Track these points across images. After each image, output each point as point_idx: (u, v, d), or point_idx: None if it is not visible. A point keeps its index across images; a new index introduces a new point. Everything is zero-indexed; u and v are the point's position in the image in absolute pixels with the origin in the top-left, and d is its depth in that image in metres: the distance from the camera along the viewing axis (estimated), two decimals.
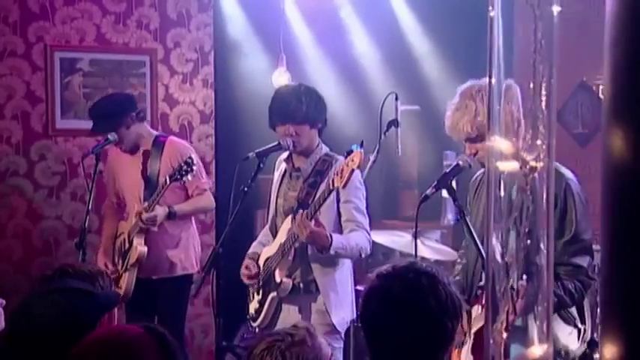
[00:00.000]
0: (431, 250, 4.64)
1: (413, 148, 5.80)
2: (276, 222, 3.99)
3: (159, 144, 4.54)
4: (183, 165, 4.20)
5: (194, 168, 4.23)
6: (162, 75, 5.42)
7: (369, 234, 3.79)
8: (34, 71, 5.18)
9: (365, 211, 3.83)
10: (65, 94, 5.26)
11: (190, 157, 4.27)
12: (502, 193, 2.83)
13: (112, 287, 3.02)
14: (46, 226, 5.23)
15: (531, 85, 2.57)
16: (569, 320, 3.16)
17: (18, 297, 4.58)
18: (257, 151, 3.78)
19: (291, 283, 3.78)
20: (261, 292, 3.93)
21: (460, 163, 3.23)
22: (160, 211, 4.38)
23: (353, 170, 3.44)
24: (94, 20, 5.26)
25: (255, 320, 3.93)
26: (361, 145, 3.46)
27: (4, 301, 2.56)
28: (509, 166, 2.38)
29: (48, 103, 5.22)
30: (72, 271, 2.73)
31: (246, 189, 3.76)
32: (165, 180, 4.28)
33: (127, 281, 4.43)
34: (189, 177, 4.25)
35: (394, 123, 4.39)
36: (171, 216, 4.42)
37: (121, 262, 4.53)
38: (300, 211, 3.61)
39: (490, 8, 2.00)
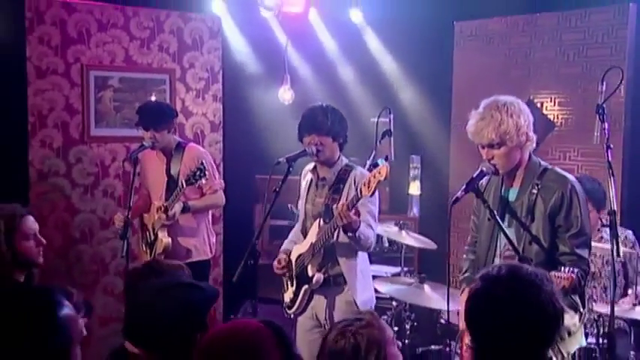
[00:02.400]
0: (413, 239, 4.95)
1: (388, 152, 6.26)
2: (306, 224, 4.06)
3: (180, 149, 4.72)
4: (196, 171, 4.35)
5: (206, 173, 4.35)
6: (180, 91, 5.64)
7: (374, 232, 3.90)
8: (72, 87, 5.29)
9: (376, 216, 3.95)
10: (98, 107, 5.39)
11: (202, 164, 4.40)
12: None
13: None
14: (81, 219, 5.36)
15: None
16: (573, 306, 3.15)
17: (58, 278, 5.04)
18: (287, 156, 3.86)
19: (322, 277, 3.87)
20: (294, 284, 4.02)
21: (484, 169, 3.27)
22: (177, 207, 4.53)
23: (379, 181, 3.53)
24: (123, 44, 5.43)
25: (290, 308, 4.03)
26: (386, 159, 3.67)
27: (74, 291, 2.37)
28: None
29: (84, 114, 5.33)
30: (158, 267, 2.93)
31: (277, 190, 3.84)
32: (182, 183, 4.43)
33: None
34: (203, 181, 4.39)
35: (388, 133, 4.57)
36: (184, 210, 4.57)
37: (148, 251, 4.72)
38: (343, 201, 3.69)
39: None
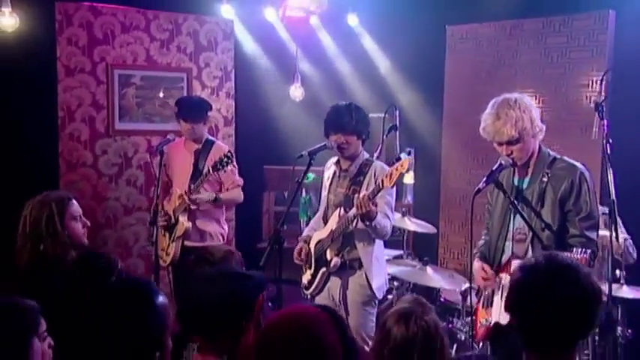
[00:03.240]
0: (415, 224, 5.16)
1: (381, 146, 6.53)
2: (327, 213, 4.14)
3: (208, 144, 4.88)
4: (223, 158, 4.46)
5: (232, 161, 4.49)
6: (196, 88, 5.89)
7: (391, 222, 3.97)
8: (98, 84, 5.55)
9: (393, 206, 4.02)
10: (122, 103, 5.63)
11: (230, 152, 4.55)
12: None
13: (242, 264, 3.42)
14: (107, 206, 5.64)
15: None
16: None
17: None
18: (308, 150, 3.92)
19: (339, 261, 3.95)
20: (313, 267, 4.12)
21: (502, 162, 3.32)
22: (205, 196, 4.67)
23: (402, 174, 3.60)
24: (144, 45, 5.69)
25: (307, 289, 4.12)
26: (409, 154, 3.76)
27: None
28: None
29: (109, 110, 5.58)
30: (211, 258, 3.16)
31: (299, 180, 3.91)
32: (209, 169, 4.52)
33: (175, 250, 4.73)
34: (229, 167, 4.51)
35: (394, 128, 4.70)
36: (216, 201, 4.73)
37: (167, 234, 4.79)
38: (364, 192, 3.74)
39: None
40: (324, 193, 4.23)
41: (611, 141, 3.43)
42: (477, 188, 3.26)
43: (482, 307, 3.51)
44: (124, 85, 5.66)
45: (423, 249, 5.75)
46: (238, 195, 4.99)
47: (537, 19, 5.61)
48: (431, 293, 5.14)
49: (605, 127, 3.48)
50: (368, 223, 3.76)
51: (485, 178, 3.26)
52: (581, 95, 5.38)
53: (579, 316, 1.98)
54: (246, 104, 6.22)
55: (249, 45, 6.34)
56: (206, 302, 2.19)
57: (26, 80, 5.22)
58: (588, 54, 5.33)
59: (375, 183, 3.79)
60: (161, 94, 5.77)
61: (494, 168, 3.30)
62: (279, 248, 3.87)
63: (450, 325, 4.71)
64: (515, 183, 3.44)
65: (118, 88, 5.64)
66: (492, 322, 3.40)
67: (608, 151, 3.39)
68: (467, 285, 4.47)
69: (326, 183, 4.22)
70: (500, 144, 3.32)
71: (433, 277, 4.70)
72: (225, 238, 5.18)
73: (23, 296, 2.86)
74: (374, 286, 3.97)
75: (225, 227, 5.14)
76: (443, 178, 6.34)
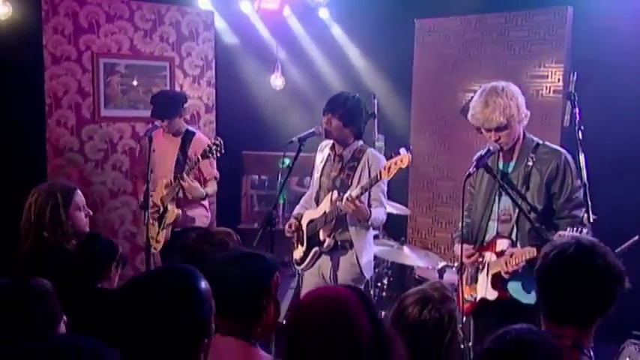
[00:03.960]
0: (392, 207, 5.15)
1: None
2: (319, 194, 4.20)
3: (189, 135, 4.89)
4: (212, 146, 4.44)
5: (221, 151, 4.45)
6: (178, 77, 5.97)
7: (385, 210, 4.06)
8: (84, 72, 5.59)
9: (386, 194, 4.10)
10: (107, 90, 5.67)
11: (219, 140, 4.46)
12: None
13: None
14: (93, 190, 5.66)
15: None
16: None
17: None
18: (298, 136, 3.98)
19: (332, 242, 4.01)
20: (305, 244, 4.17)
21: (491, 148, 3.37)
22: (198, 192, 4.71)
23: (400, 169, 3.65)
24: (129, 35, 5.74)
25: (299, 265, 4.18)
26: (407, 149, 3.69)
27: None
28: None
29: (94, 97, 5.62)
30: (211, 238, 3.02)
31: (290, 166, 4.05)
32: (198, 157, 4.53)
33: (165, 237, 4.77)
34: (218, 154, 4.48)
35: (372, 115, 4.77)
36: (205, 197, 4.82)
37: (156, 223, 4.80)
38: (348, 193, 3.79)
39: None
40: (317, 175, 4.27)
41: (583, 128, 3.51)
42: (467, 172, 3.34)
43: (467, 283, 3.59)
44: (109, 73, 5.70)
45: (393, 230, 5.93)
46: (215, 188, 5.07)
47: (500, 13, 5.81)
48: (406, 271, 5.40)
49: (578, 115, 3.60)
50: (364, 223, 3.89)
51: (475, 163, 3.32)
52: (541, 85, 5.64)
53: (603, 292, 2.05)
54: (226, 92, 6.31)
55: (228, 35, 6.41)
56: (226, 284, 2.14)
57: (13, 68, 5.19)
58: (548, 47, 5.55)
59: (369, 173, 3.89)
60: (134, 83, 5.80)
61: (482, 153, 3.36)
62: (270, 230, 3.95)
63: None
64: (500, 167, 3.51)
65: (104, 76, 5.68)
66: (478, 298, 3.51)
67: (580, 137, 3.47)
68: (443, 263, 4.69)
69: (319, 165, 4.26)
70: (489, 130, 3.37)
71: (410, 256, 4.92)
72: (209, 221, 5.20)
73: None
74: (363, 267, 4.07)
75: (209, 211, 5.21)
76: (412, 163, 6.55)
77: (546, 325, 2.13)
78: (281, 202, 6.49)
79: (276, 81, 5.96)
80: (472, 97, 5.64)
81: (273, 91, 6.43)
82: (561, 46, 5.48)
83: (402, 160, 3.65)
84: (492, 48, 5.89)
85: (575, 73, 3.73)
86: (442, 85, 6.21)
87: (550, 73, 5.59)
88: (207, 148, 4.52)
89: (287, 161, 6.46)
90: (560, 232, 3.09)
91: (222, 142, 4.50)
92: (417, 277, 5.20)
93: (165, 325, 1.75)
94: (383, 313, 4.05)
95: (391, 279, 5.42)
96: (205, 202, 5.08)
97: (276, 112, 6.50)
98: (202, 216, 5.08)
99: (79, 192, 3.59)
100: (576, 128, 3.55)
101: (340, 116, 4.00)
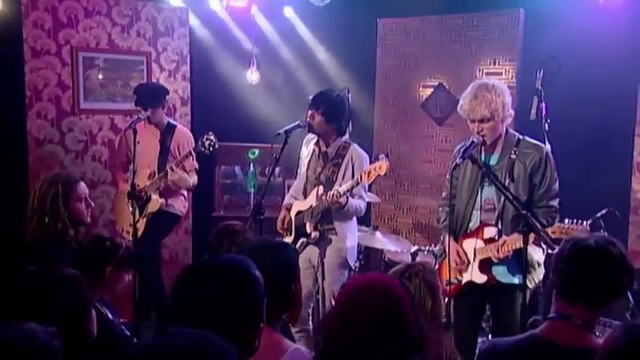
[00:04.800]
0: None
1: None
2: (307, 187, 4.33)
3: (170, 127, 5.07)
4: (206, 141, 4.60)
5: (215, 145, 4.63)
6: (155, 71, 5.97)
7: (365, 202, 4.26)
8: (64, 66, 5.54)
9: (367, 188, 4.34)
10: (86, 84, 5.64)
11: (212, 135, 4.63)
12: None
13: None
14: None
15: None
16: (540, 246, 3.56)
17: None
18: (285, 129, 4.08)
19: (318, 234, 4.16)
20: (293, 235, 4.31)
21: (475, 140, 3.49)
22: (187, 182, 4.89)
23: (379, 175, 3.84)
24: (107, 29, 5.72)
25: None
26: (387, 156, 3.89)
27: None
28: None
29: (74, 90, 5.58)
30: (230, 228, 3.26)
31: (277, 157, 4.08)
32: (190, 152, 4.70)
33: (145, 224, 4.92)
34: (211, 149, 4.67)
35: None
36: (190, 189, 5.01)
37: (137, 211, 4.76)
38: (334, 190, 3.96)
39: None
40: (303, 168, 4.38)
41: (549, 120, 3.87)
42: (454, 163, 3.51)
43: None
44: (88, 67, 5.67)
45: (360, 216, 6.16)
46: (196, 179, 5.19)
47: (458, 15, 6.06)
48: (376, 254, 5.63)
49: (545, 109, 3.93)
50: (341, 209, 4.08)
51: (460, 154, 3.45)
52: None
53: (615, 279, 2.18)
54: (201, 86, 6.38)
55: (201, 31, 6.47)
56: (260, 271, 2.14)
57: None
58: (502, 46, 5.85)
59: (353, 168, 4.08)
60: (100, 76, 5.79)
61: (467, 145, 3.49)
62: (259, 218, 4.10)
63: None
64: (482, 159, 3.64)
65: (83, 70, 5.65)
66: (464, 281, 3.69)
67: (547, 129, 3.82)
68: (416, 247, 4.97)
69: (305, 160, 4.37)
70: (473, 121, 3.53)
71: (382, 240, 5.17)
72: (186, 210, 5.40)
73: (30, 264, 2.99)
74: (348, 253, 4.25)
75: (187, 202, 5.35)
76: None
77: (558, 301, 2.24)
78: (251, 190, 6.63)
79: (252, 76, 6.05)
80: (433, 92, 6.16)
81: (244, 86, 6.54)
82: (514, 46, 5.78)
83: (380, 167, 3.82)
84: (451, 46, 6.14)
85: (542, 70, 3.98)
86: (404, 80, 6.46)
87: (504, 71, 5.90)
88: (201, 143, 4.67)
89: (256, 152, 6.69)
90: (562, 225, 3.28)
91: (215, 138, 4.64)
92: (386, 259, 5.45)
93: (228, 308, 1.77)
94: None
95: (362, 262, 5.63)
96: (184, 192, 5.25)
97: (248, 105, 6.61)
98: (181, 205, 5.25)
99: (82, 184, 3.67)
100: (543, 121, 3.86)
101: (323, 112, 4.12)
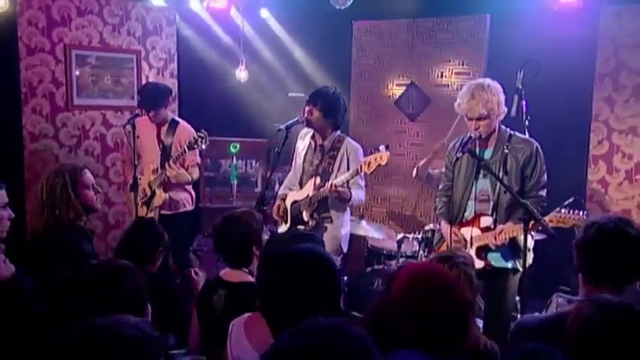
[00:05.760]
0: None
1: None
2: (303, 178, 4.41)
3: (173, 124, 5.06)
4: (197, 138, 4.65)
5: (206, 141, 4.64)
6: (144, 68, 6.06)
7: (364, 190, 4.34)
8: (57, 63, 5.60)
9: (363, 177, 4.35)
10: (79, 81, 5.71)
11: (204, 132, 4.63)
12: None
13: None
14: None
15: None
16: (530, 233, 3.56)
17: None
18: (286, 124, 4.16)
19: (314, 222, 4.21)
20: (289, 223, 4.36)
21: (472, 135, 3.62)
22: (184, 177, 4.89)
23: (380, 165, 3.92)
24: (98, 28, 5.79)
25: None
26: (387, 148, 3.97)
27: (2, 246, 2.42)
28: None
29: (67, 86, 5.64)
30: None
31: (279, 151, 4.20)
32: (185, 149, 4.71)
33: (154, 218, 4.76)
34: (203, 146, 4.68)
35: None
36: (190, 182, 4.99)
37: (145, 206, 4.90)
38: (332, 181, 4.06)
39: None
40: (299, 161, 4.49)
41: (530, 117, 4.04)
42: (455, 157, 3.67)
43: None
44: (80, 64, 5.74)
45: None
46: (197, 173, 5.23)
47: (429, 18, 6.30)
48: (359, 240, 5.84)
49: (525, 107, 4.17)
50: (346, 204, 4.23)
51: (461, 148, 3.62)
52: (464, 81, 6.14)
53: (635, 259, 2.26)
54: (187, 83, 6.49)
55: (185, 31, 6.57)
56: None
57: None
58: (470, 49, 6.13)
59: (348, 159, 4.20)
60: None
61: (464, 140, 3.66)
62: (263, 209, 4.22)
63: (385, 267, 5.31)
64: (477, 153, 3.75)
65: (76, 67, 5.71)
66: None
67: (527, 124, 4.03)
68: (402, 235, 5.13)
69: (301, 152, 4.48)
70: (471, 119, 3.68)
71: (367, 229, 5.36)
72: (194, 202, 5.33)
73: (41, 258, 3.10)
74: (341, 240, 4.37)
75: (192, 192, 5.29)
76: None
77: (585, 287, 2.31)
78: (234, 181, 6.79)
79: (241, 74, 6.15)
80: (405, 90, 6.41)
81: (230, 83, 6.63)
82: (481, 48, 6.07)
83: (381, 157, 3.93)
84: (422, 48, 6.39)
85: (522, 71, 4.22)
86: (378, 78, 6.69)
87: (471, 71, 6.20)
88: (193, 140, 4.71)
89: (237, 146, 6.83)
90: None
91: (206, 134, 4.66)
92: (369, 246, 5.67)
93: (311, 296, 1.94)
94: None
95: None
96: (189, 186, 5.26)
97: (232, 101, 6.72)
98: (188, 200, 5.24)
99: (86, 172, 3.66)
100: (523, 118, 4.12)
101: (321, 108, 4.25)
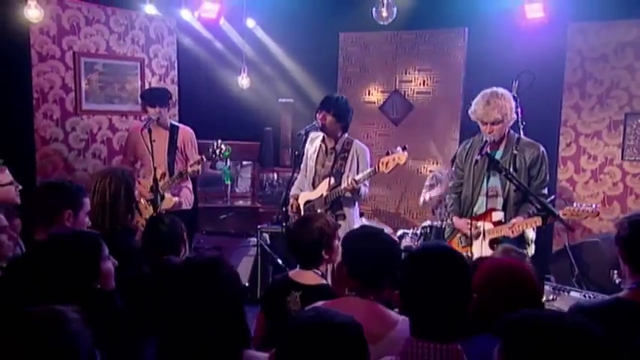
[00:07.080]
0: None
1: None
2: (315, 179, 4.52)
3: (175, 128, 5.12)
4: (216, 149, 4.78)
5: (222, 153, 4.73)
6: (147, 75, 6.13)
7: (367, 188, 4.45)
8: (67, 70, 5.64)
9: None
10: (87, 87, 5.75)
11: (221, 142, 4.76)
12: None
13: None
14: (76, 175, 5.70)
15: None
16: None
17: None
18: (305, 129, 4.34)
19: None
20: None
21: (488, 139, 3.80)
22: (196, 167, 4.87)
23: (398, 165, 4.01)
24: (105, 37, 5.84)
25: None
26: (404, 149, 4.06)
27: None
28: None
29: (76, 92, 5.68)
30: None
31: (297, 153, 4.45)
32: (203, 157, 4.80)
33: None
34: (221, 155, 4.78)
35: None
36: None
37: (151, 207, 4.61)
38: (353, 176, 4.22)
39: None
40: (311, 163, 4.61)
41: (525, 123, 4.30)
42: (475, 159, 3.91)
43: (460, 245, 4.08)
44: (88, 71, 5.79)
45: None
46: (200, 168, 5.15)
47: (412, 31, 6.59)
48: None
49: (521, 114, 4.40)
50: (357, 196, 4.42)
51: (480, 151, 3.84)
52: (445, 89, 6.57)
53: None
54: (187, 89, 6.57)
55: (185, 40, 6.65)
56: (372, 256, 2.36)
57: (4, 66, 5.21)
58: (449, 59, 6.46)
59: (358, 160, 4.35)
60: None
61: (482, 144, 3.91)
62: (285, 210, 4.44)
63: None
64: (490, 154, 3.88)
65: (84, 74, 5.75)
66: (474, 257, 3.69)
67: (522, 128, 4.32)
68: (402, 230, 5.36)
69: (312, 155, 4.60)
70: (486, 123, 3.88)
71: (366, 224, 5.52)
72: (192, 202, 5.39)
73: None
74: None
75: (192, 194, 5.34)
76: None
77: (632, 276, 2.40)
78: (228, 182, 6.90)
79: (243, 81, 6.27)
80: (389, 96, 6.68)
81: (227, 89, 6.75)
82: (461, 58, 6.39)
83: (399, 158, 4.08)
84: (405, 58, 6.69)
85: (517, 81, 4.50)
86: (363, 86, 6.95)
87: (450, 79, 6.51)
88: (212, 151, 4.82)
89: (230, 149, 6.94)
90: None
91: (228, 147, 4.75)
92: None
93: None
94: None
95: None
96: (189, 185, 5.33)
97: (227, 106, 6.85)
98: (188, 199, 5.30)
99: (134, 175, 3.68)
100: (519, 123, 4.41)
101: (334, 113, 4.43)
